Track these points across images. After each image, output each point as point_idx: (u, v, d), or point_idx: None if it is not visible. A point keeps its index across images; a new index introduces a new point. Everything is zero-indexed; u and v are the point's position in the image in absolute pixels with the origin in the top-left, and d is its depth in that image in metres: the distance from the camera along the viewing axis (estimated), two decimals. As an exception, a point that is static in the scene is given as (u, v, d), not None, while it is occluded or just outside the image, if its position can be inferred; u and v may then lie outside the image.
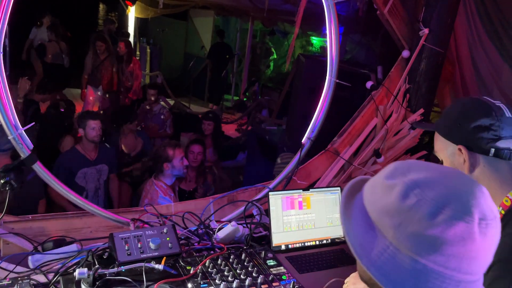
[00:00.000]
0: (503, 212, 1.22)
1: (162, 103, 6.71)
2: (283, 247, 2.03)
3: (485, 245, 0.73)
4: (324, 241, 2.14)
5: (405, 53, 3.10)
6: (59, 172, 3.52)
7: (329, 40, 2.18)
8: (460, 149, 1.25)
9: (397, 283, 0.73)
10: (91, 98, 6.42)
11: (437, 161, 1.37)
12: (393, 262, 0.74)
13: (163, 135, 5.51)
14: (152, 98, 5.63)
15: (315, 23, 7.70)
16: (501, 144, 1.19)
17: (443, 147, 1.31)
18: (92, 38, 6.58)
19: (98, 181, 3.73)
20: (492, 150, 1.20)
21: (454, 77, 3.52)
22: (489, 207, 0.74)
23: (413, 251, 0.72)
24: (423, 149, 3.13)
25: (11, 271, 1.62)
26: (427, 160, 3.07)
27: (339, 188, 2.21)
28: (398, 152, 3.02)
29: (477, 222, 0.71)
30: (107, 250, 1.76)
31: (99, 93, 6.40)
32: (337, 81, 2.19)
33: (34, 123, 2.05)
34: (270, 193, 2.06)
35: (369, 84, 3.12)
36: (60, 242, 1.82)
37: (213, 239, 1.94)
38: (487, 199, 0.75)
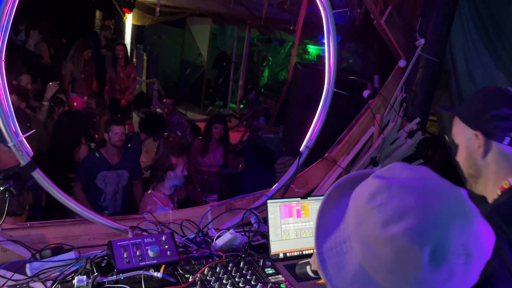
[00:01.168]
0: (499, 193, 1.27)
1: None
2: (281, 256, 2.04)
3: (435, 279, 0.63)
4: (322, 249, 2.14)
5: (402, 63, 3.13)
6: (81, 172, 3.72)
7: (327, 50, 2.20)
8: (476, 135, 1.28)
9: (337, 282, 0.70)
10: (75, 103, 6.38)
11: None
12: (340, 258, 0.71)
13: (185, 143, 5.47)
14: (166, 109, 5.62)
15: (312, 32, 7.77)
16: None
17: (461, 132, 1.34)
18: (78, 44, 6.52)
19: (117, 185, 3.78)
20: (507, 139, 1.24)
21: (449, 86, 3.55)
22: (462, 241, 0.64)
23: (362, 256, 0.68)
24: (419, 158, 3.15)
25: (9, 279, 1.62)
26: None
27: (337, 196, 2.22)
28: (395, 160, 3.04)
29: (429, 248, 0.62)
30: (106, 257, 1.76)
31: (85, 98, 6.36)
32: (335, 90, 2.21)
33: (34, 130, 2.04)
34: (268, 201, 2.06)
35: (366, 93, 3.15)
36: (58, 249, 1.82)
37: (211, 247, 1.94)
38: (467, 233, 0.64)
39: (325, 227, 0.76)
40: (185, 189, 3.98)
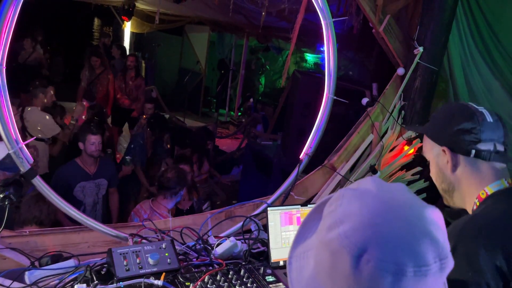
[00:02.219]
0: (478, 203, 1.31)
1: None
2: (281, 263, 2.03)
3: (360, 284, 0.61)
4: (322, 257, 2.14)
5: (400, 71, 3.15)
6: (57, 184, 3.47)
7: (326, 58, 2.22)
8: (444, 150, 1.34)
9: (296, 285, 0.71)
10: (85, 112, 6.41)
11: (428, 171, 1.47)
12: (303, 262, 0.71)
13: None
14: (149, 113, 5.64)
15: (310, 40, 7.81)
16: (482, 146, 1.28)
17: (430, 148, 1.40)
18: (87, 52, 6.60)
19: (96, 195, 3.69)
20: (473, 151, 1.28)
21: (447, 94, 3.57)
22: (416, 252, 0.61)
23: (313, 260, 0.68)
24: (418, 165, 3.16)
25: (8, 287, 1.60)
26: (424, 176, 3.10)
27: (336, 203, 2.22)
28: (393, 168, 3.05)
29: (355, 254, 0.61)
30: (105, 265, 1.75)
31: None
32: (335, 98, 2.22)
33: (34, 137, 2.04)
34: (268, 208, 2.06)
35: (364, 101, 3.15)
36: (57, 257, 1.81)
37: (211, 255, 1.93)
38: (401, 247, 0.61)
39: (302, 234, 0.77)
40: (189, 199, 3.97)
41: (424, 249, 0.62)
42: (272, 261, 2.00)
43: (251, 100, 8.89)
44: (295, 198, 2.59)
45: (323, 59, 9.90)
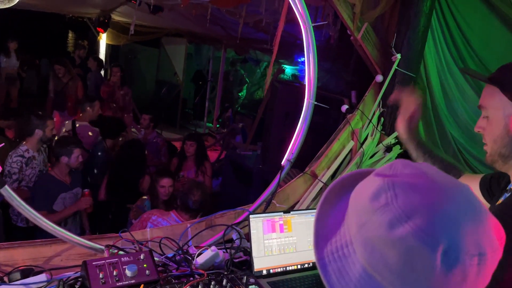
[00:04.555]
0: None
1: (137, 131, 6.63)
2: (264, 272, 1.97)
3: (448, 281, 0.59)
4: (306, 265, 2.09)
5: (378, 78, 3.17)
6: (39, 198, 3.42)
7: (307, 63, 2.20)
8: None
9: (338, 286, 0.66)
10: (58, 123, 6.28)
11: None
12: (342, 262, 0.67)
13: (158, 163, 5.37)
14: (142, 121, 5.56)
15: (287, 51, 7.85)
16: None
17: (499, 106, 1.20)
18: (51, 62, 6.51)
19: None
20: None
21: (425, 101, 3.61)
22: (475, 240, 0.60)
23: (366, 259, 0.64)
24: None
25: (-27, 305, 1.50)
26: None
27: (319, 210, 2.18)
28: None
29: (440, 251, 0.58)
30: (80, 279, 1.66)
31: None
32: (316, 103, 2.20)
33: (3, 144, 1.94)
34: (250, 216, 2.01)
35: (344, 108, 3.16)
36: (27, 272, 1.70)
37: (192, 265, 1.86)
38: (479, 231, 0.61)
39: (323, 231, 0.72)
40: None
41: (491, 232, 0.63)
42: (255, 270, 1.94)
43: (230, 111, 8.85)
44: (277, 206, 2.54)
45: (301, 70, 9.99)
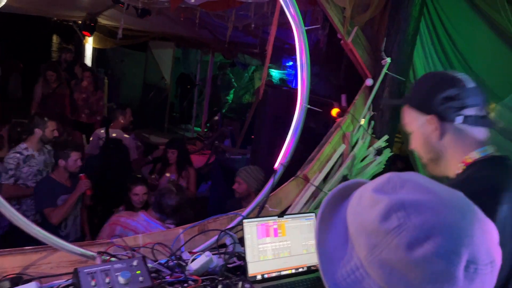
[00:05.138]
0: (463, 167, 1.32)
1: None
2: (259, 277, 1.96)
3: None
4: (300, 269, 2.08)
5: (369, 81, 3.18)
6: (41, 200, 3.47)
7: (299, 66, 2.20)
8: (431, 119, 1.33)
9: None
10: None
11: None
12: (358, 287, 0.66)
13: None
14: (121, 120, 5.50)
15: (275, 56, 7.87)
16: (467, 111, 1.30)
17: (413, 119, 1.39)
18: (43, 67, 6.40)
19: (76, 208, 3.60)
20: (460, 117, 1.29)
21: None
22: (486, 249, 0.63)
23: (383, 281, 0.63)
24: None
25: (-39, 315, 1.45)
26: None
27: (313, 214, 2.18)
28: (365, 177, 3.05)
29: (463, 264, 0.60)
30: (71, 287, 1.62)
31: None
32: (309, 106, 2.20)
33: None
34: (244, 220, 1.99)
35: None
36: (17, 280, 1.66)
37: (186, 271, 1.84)
38: (487, 239, 0.64)
39: (327, 255, 0.71)
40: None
41: (494, 237, 0.66)
42: (249, 275, 1.93)
43: (219, 115, 8.82)
44: (270, 210, 2.52)
45: (288, 74, 10.03)
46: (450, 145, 1.33)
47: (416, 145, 1.41)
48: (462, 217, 0.63)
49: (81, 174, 3.57)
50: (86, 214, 3.88)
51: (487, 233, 0.64)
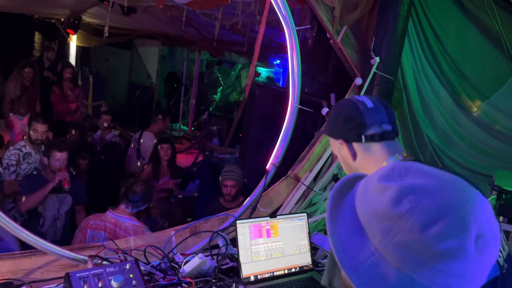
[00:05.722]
0: None
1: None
2: (252, 278, 1.95)
3: (480, 265, 0.67)
4: (293, 269, 2.08)
5: (358, 81, 3.20)
6: (25, 190, 3.42)
7: (291, 67, 2.20)
8: (341, 143, 1.45)
9: None
10: (16, 126, 6.06)
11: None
12: (376, 271, 0.68)
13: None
14: (105, 124, 5.43)
15: (263, 54, 7.87)
16: (368, 131, 1.39)
17: (333, 145, 1.52)
18: (19, 64, 6.25)
19: (57, 211, 3.51)
20: (363, 137, 1.39)
21: (402, 103, 3.68)
22: (488, 223, 0.69)
23: (400, 262, 0.66)
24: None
25: (-51, 323, 1.41)
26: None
27: (305, 214, 2.18)
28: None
29: (473, 239, 0.66)
30: (63, 292, 1.60)
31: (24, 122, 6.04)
32: (300, 107, 2.20)
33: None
34: (237, 221, 1.98)
35: (324, 110, 3.17)
36: (7, 286, 1.63)
37: (179, 274, 1.82)
38: (488, 214, 0.70)
39: (342, 245, 0.73)
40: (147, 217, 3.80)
41: (491, 211, 0.73)
42: (243, 276, 1.92)
43: (206, 113, 8.78)
44: (261, 210, 2.52)
45: (276, 72, 10.02)
46: (364, 163, 1.41)
47: (343, 167, 1.53)
48: (465, 196, 0.70)
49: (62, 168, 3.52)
50: (84, 217, 3.78)
51: (486, 208, 0.70)
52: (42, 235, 3.37)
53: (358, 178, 0.81)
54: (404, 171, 0.73)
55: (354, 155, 1.41)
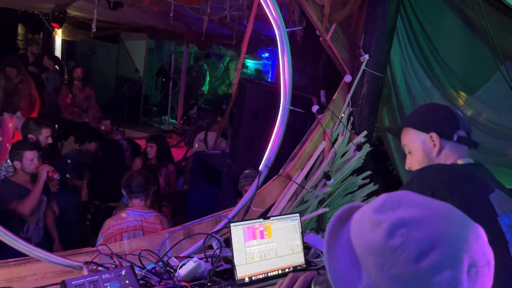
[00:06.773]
0: None
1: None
2: (246, 280, 1.97)
3: None
4: (287, 270, 2.11)
5: (347, 78, 3.22)
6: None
7: (282, 68, 2.20)
8: (431, 136, 1.61)
9: None
10: (10, 125, 5.97)
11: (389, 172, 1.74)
12: None
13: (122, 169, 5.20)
14: (103, 127, 5.34)
15: (251, 47, 7.83)
16: (460, 132, 1.61)
17: (414, 138, 1.66)
18: (1, 64, 6.15)
19: (38, 212, 3.45)
20: (456, 136, 1.59)
21: (390, 98, 3.71)
22: (482, 252, 0.70)
23: None
24: (368, 169, 3.24)
25: None
26: (374, 179, 3.18)
27: (298, 214, 2.20)
28: (346, 173, 3.10)
29: (466, 269, 0.67)
30: (59, 300, 1.60)
31: (16, 119, 5.95)
32: (292, 108, 2.21)
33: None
34: (231, 224, 2.00)
35: (315, 108, 3.19)
36: (2, 295, 1.62)
37: (174, 278, 1.83)
38: (480, 242, 0.71)
39: (339, 279, 0.75)
40: None
41: (485, 239, 0.74)
42: (237, 278, 1.94)
43: (195, 108, 8.74)
44: (253, 209, 2.54)
45: (264, 65, 10.00)
46: (444, 158, 1.60)
47: (415, 161, 1.66)
48: (457, 226, 0.71)
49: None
50: (52, 218, 3.74)
51: (479, 237, 0.71)
52: (27, 240, 3.32)
53: (354, 208, 0.83)
54: (396, 204, 0.75)
55: (440, 150, 1.59)
